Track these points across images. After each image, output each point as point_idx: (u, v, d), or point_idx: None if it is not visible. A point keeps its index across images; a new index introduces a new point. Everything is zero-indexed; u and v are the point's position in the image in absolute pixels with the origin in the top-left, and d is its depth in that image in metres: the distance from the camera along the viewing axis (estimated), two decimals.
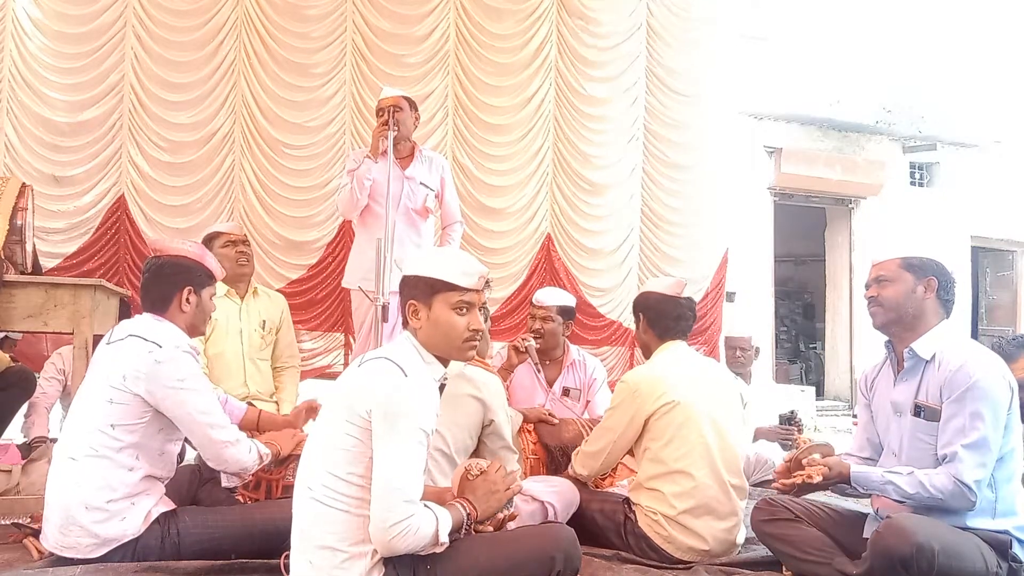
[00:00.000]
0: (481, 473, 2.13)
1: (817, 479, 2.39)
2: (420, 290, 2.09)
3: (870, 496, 2.61)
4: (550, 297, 3.84)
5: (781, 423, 4.47)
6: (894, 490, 2.32)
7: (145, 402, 2.29)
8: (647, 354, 3.03)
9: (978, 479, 2.27)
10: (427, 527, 1.87)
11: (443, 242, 4.26)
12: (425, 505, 1.91)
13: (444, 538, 1.91)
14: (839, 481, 2.42)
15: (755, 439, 4.44)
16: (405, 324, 2.12)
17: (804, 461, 2.44)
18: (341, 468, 1.90)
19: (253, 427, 2.93)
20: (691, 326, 3.02)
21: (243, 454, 2.40)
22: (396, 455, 1.86)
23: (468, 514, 2.02)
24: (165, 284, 2.45)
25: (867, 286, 2.59)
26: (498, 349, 5.25)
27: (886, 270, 2.52)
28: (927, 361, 2.42)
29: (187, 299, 2.46)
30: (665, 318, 2.95)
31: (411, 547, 1.85)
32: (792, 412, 4.58)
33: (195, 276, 2.50)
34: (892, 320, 2.50)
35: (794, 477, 2.44)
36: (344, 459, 1.90)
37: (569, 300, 3.91)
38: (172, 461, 2.43)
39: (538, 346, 3.69)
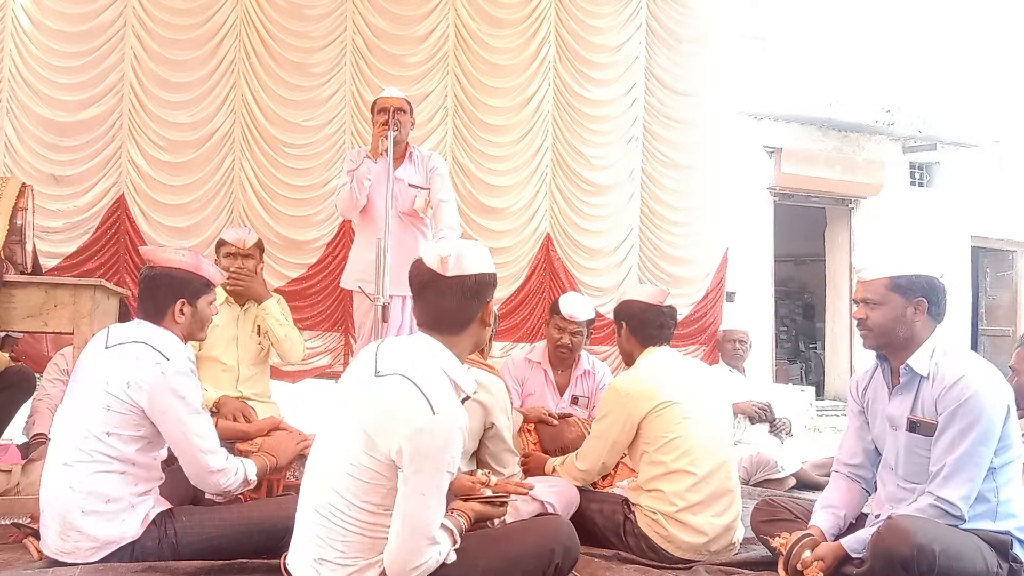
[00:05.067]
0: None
1: None
2: (491, 287, 2.03)
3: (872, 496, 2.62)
4: (582, 312, 3.80)
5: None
6: None
7: (143, 414, 2.26)
8: (629, 361, 3.03)
9: (965, 495, 2.27)
10: (444, 550, 1.88)
11: None
12: (444, 527, 1.91)
13: (452, 558, 1.92)
14: (838, 562, 2.35)
15: (735, 413, 4.53)
16: (458, 329, 1.98)
17: (799, 567, 2.36)
18: (356, 496, 1.84)
19: None
20: (673, 333, 3.02)
21: (228, 480, 2.37)
22: (424, 495, 1.80)
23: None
24: (159, 297, 2.43)
25: (855, 302, 2.54)
26: (499, 350, 5.27)
27: (873, 293, 2.45)
28: (923, 376, 2.41)
29: (180, 311, 2.43)
30: (648, 326, 2.96)
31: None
32: (783, 419, 4.79)
33: (188, 288, 2.45)
34: (883, 344, 2.48)
35: None
36: (363, 489, 1.83)
37: (593, 310, 3.92)
38: (160, 467, 2.41)
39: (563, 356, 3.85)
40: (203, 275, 2.50)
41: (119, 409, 2.25)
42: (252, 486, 2.46)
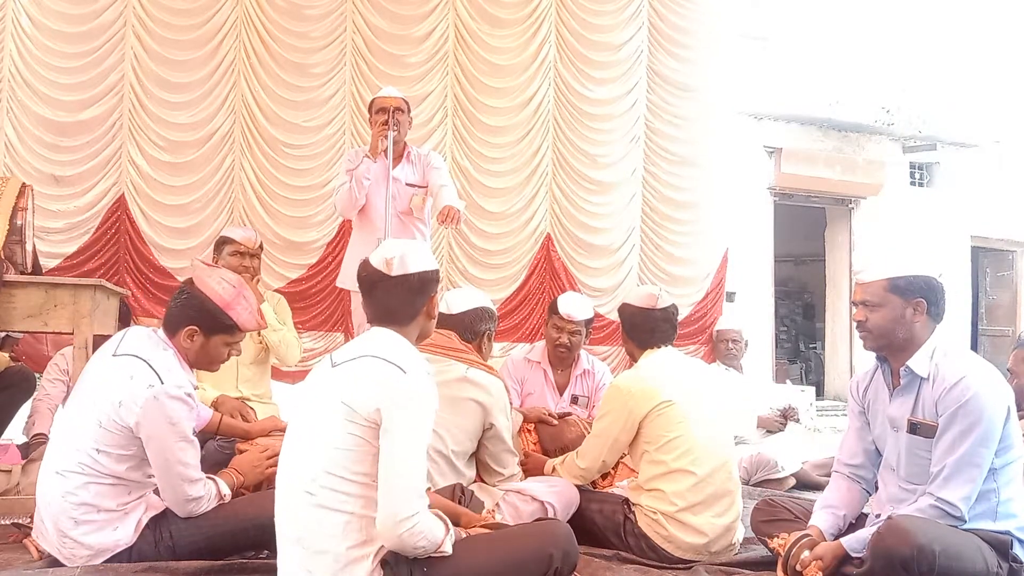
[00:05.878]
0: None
1: None
2: (434, 283, 2.19)
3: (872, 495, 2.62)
4: (580, 311, 3.79)
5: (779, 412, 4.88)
6: None
7: (131, 435, 2.24)
8: (633, 359, 3.07)
9: (965, 496, 2.27)
10: (437, 531, 1.90)
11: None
12: (437, 515, 1.94)
13: (447, 548, 1.93)
14: (838, 562, 2.35)
15: (758, 425, 4.81)
16: (407, 321, 2.13)
17: (798, 567, 2.36)
18: (345, 469, 1.88)
19: (213, 432, 2.98)
20: (671, 334, 3.03)
21: (201, 507, 2.35)
22: (405, 449, 1.87)
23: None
24: (176, 314, 2.40)
25: (854, 304, 2.54)
26: (499, 350, 5.27)
27: (871, 295, 2.45)
28: (923, 377, 2.41)
29: (190, 337, 2.38)
30: (638, 330, 2.99)
31: (418, 544, 1.86)
32: (788, 406, 4.92)
33: (207, 320, 2.38)
34: (883, 345, 2.48)
35: None
36: (348, 459, 1.88)
37: (592, 310, 3.93)
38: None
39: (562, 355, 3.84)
40: (231, 316, 2.40)
41: (109, 427, 2.23)
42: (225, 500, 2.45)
